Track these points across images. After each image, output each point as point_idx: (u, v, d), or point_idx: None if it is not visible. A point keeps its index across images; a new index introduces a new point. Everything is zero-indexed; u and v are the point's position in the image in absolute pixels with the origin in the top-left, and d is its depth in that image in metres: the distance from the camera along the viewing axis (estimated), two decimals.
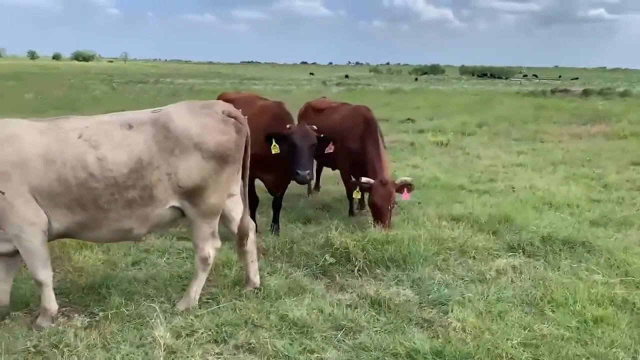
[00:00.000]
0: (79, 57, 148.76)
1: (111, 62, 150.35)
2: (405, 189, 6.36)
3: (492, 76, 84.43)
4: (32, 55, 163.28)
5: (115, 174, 3.94)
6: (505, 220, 6.61)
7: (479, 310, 4.38)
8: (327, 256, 5.39)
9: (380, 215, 6.19)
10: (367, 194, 6.49)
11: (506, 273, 5.18)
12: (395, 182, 6.40)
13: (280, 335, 4.03)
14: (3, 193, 3.76)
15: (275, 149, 5.83)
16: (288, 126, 5.99)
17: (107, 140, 3.97)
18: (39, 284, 4.14)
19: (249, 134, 4.41)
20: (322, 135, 6.13)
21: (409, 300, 4.63)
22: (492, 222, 6.57)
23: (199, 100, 4.53)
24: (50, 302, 4.18)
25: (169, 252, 5.72)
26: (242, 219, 4.60)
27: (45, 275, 4.10)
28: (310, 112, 7.78)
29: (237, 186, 4.63)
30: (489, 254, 5.72)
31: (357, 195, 6.55)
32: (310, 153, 5.95)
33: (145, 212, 4.12)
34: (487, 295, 4.66)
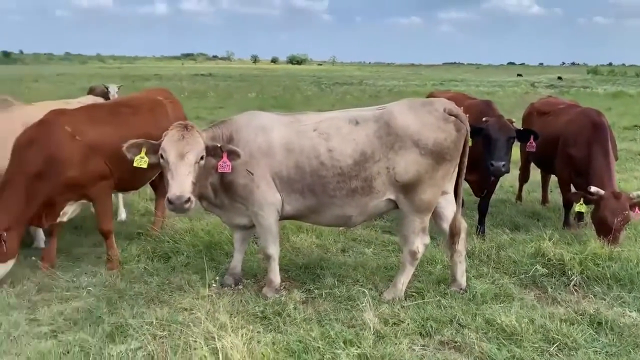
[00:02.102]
0: (293, 60, 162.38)
1: (320, 64, 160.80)
2: (637, 207, 5.58)
3: None
4: (255, 59, 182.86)
5: (342, 164, 4.29)
6: None
7: None
8: (538, 266, 5.10)
9: (608, 231, 5.47)
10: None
11: None
12: (630, 195, 5.63)
13: (487, 339, 3.95)
14: (252, 174, 4.34)
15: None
16: (484, 119, 5.80)
17: (337, 134, 4.34)
18: (268, 257, 4.68)
19: (469, 133, 4.40)
20: (522, 129, 5.77)
21: (637, 324, 4.15)
22: None
23: (422, 98, 4.66)
24: (276, 275, 4.69)
25: (374, 244, 5.98)
26: (454, 218, 4.62)
27: (274, 250, 4.63)
28: (535, 115, 7.36)
29: (451, 184, 4.64)
30: None
31: (581, 208, 5.87)
32: (507, 146, 5.69)
33: (364, 201, 4.39)
34: None
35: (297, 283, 4.95)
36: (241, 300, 4.53)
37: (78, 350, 3.70)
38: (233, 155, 4.22)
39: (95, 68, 79.41)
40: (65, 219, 5.18)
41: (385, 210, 4.63)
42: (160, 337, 3.92)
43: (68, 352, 3.67)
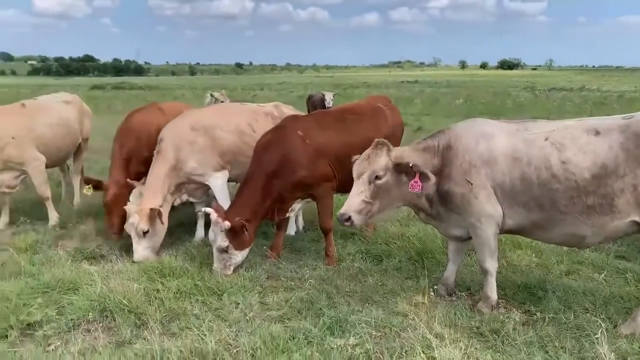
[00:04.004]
0: (504, 65, 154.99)
1: (535, 69, 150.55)
2: None
3: None
4: (462, 65, 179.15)
5: (577, 177, 3.91)
6: None
7: None
8: None
9: None
10: None
11: None
12: None
13: None
14: (471, 184, 4.21)
15: None
16: None
17: (572, 144, 3.96)
18: (484, 272, 4.48)
19: None
20: None
21: None
22: None
23: None
24: (493, 290, 4.47)
25: (606, 269, 5.32)
26: None
27: (492, 265, 4.41)
28: None
29: None
30: None
31: None
32: None
33: (602, 221, 3.93)
34: None
35: (515, 302, 4.65)
36: (455, 312, 4.39)
37: (302, 337, 3.97)
38: (424, 177, 4.22)
39: (311, 77, 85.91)
40: (292, 215, 5.66)
41: (627, 233, 4.08)
42: (376, 337, 4.02)
43: (293, 338, 3.97)
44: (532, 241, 5.64)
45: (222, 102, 11.20)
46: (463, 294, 4.84)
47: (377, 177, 4.30)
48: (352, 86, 48.76)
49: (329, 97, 17.13)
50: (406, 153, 4.43)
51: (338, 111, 6.14)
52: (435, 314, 4.26)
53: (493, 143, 4.21)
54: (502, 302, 4.64)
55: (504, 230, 4.39)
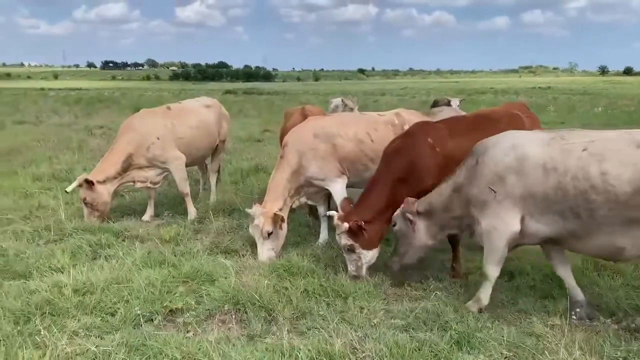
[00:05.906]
0: None
1: None
2: None
3: None
4: (602, 71, 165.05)
5: (617, 190, 3.82)
6: None
7: None
8: None
9: None
10: None
11: None
12: None
13: None
14: (494, 192, 4.26)
15: None
16: None
17: (613, 156, 3.86)
18: (484, 276, 4.57)
19: None
20: None
21: None
22: None
23: None
24: (486, 296, 4.57)
25: None
26: None
27: (493, 271, 4.50)
28: None
29: None
30: None
31: None
32: None
33: None
34: None
35: None
36: (597, 339, 4.03)
37: (428, 350, 3.87)
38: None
39: (435, 82, 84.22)
40: None
41: None
42: (508, 357, 3.82)
43: (419, 350, 3.88)
44: None
45: (351, 108, 11.30)
46: (608, 320, 4.42)
47: (393, 225, 5.06)
48: (478, 92, 47.04)
49: (455, 103, 16.51)
50: (431, 193, 4.88)
51: (472, 118, 5.94)
52: (575, 339, 3.94)
53: (523, 153, 4.16)
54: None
55: (539, 238, 4.34)
